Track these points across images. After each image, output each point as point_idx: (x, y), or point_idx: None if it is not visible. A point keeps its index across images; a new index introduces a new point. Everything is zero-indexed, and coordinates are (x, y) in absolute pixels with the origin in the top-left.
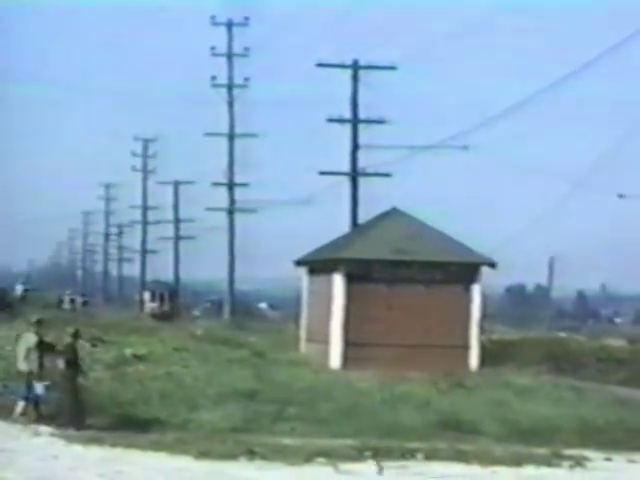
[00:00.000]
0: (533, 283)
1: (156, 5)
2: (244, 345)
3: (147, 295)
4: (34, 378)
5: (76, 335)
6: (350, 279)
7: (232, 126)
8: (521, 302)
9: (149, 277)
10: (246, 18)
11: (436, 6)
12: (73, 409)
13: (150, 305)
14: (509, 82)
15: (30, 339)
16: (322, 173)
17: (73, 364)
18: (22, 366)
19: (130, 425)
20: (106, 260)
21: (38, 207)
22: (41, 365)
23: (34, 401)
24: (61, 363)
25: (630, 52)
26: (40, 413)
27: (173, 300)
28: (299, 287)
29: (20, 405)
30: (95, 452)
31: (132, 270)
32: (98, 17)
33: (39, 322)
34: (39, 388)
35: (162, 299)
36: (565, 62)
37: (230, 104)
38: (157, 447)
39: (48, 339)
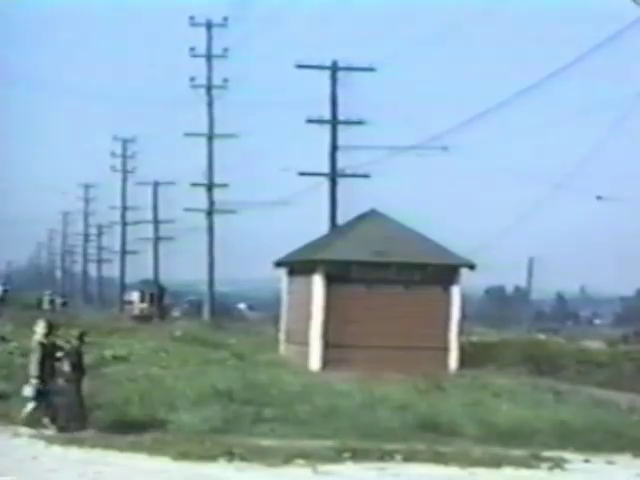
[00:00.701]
0: (512, 285)
1: (135, 5)
2: (223, 346)
3: (135, 295)
4: (31, 381)
5: (82, 337)
6: (329, 280)
7: (211, 127)
8: (500, 304)
9: (129, 278)
10: (225, 19)
11: (415, 8)
12: (78, 412)
13: (139, 306)
14: (489, 83)
15: (33, 341)
16: (301, 174)
17: (78, 367)
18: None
19: (109, 426)
20: (85, 261)
21: (17, 208)
22: (42, 368)
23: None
24: (66, 365)
25: (608, 54)
26: (27, 415)
27: (162, 301)
28: (278, 288)
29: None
30: (75, 453)
31: (112, 271)
32: (76, 16)
33: (49, 326)
34: (27, 390)
35: (152, 300)
36: (545, 64)
37: (209, 105)
38: (136, 448)
39: (59, 342)
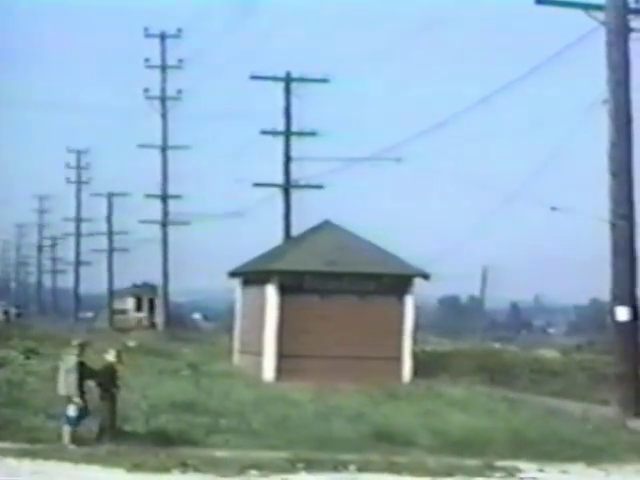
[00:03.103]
0: (466, 294)
1: (89, 16)
2: (177, 356)
3: (130, 303)
4: (74, 400)
5: (119, 356)
6: (283, 290)
7: (165, 138)
8: (454, 313)
9: (83, 289)
10: (179, 30)
11: (368, 19)
12: (110, 430)
13: (136, 316)
14: (443, 94)
15: (69, 362)
16: (255, 185)
17: (111, 387)
18: (62, 390)
19: (62, 437)
20: (40, 272)
21: None
22: (81, 389)
23: (69, 423)
24: (102, 384)
25: (563, 66)
26: (75, 435)
27: (167, 308)
28: (233, 298)
29: (66, 431)
30: (28, 465)
31: (66, 282)
32: (28, 24)
33: (81, 345)
34: (71, 410)
35: (151, 307)
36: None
37: (163, 116)
38: (90, 460)
39: (91, 364)
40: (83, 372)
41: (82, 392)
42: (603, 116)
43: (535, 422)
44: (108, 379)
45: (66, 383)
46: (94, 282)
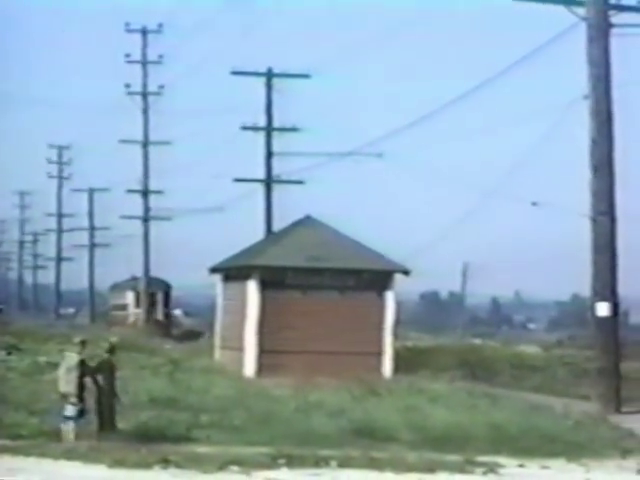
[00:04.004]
0: (447, 290)
1: (70, 11)
2: (159, 352)
3: (130, 297)
4: (70, 400)
5: (113, 350)
6: (264, 286)
7: (146, 134)
8: (435, 309)
9: (64, 284)
10: (160, 25)
11: (349, 14)
12: (107, 423)
13: (136, 312)
14: (424, 89)
15: (71, 360)
16: (236, 180)
17: (110, 381)
18: (63, 388)
19: (44, 434)
20: (21, 268)
21: None
22: (81, 387)
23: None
24: (100, 380)
25: (543, 61)
26: (75, 434)
27: (168, 304)
28: (214, 294)
29: (65, 429)
30: (8, 462)
31: (47, 278)
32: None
33: (82, 343)
34: (70, 410)
35: (154, 303)
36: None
37: (145, 111)
38: (71, 456)
39: (92, 362)
40: (84, 370)
41: (82, 390)
42: (584, 112)
43: (516, 417)
44: (107, 374)
45: (67, 381)
46: (75, 278)
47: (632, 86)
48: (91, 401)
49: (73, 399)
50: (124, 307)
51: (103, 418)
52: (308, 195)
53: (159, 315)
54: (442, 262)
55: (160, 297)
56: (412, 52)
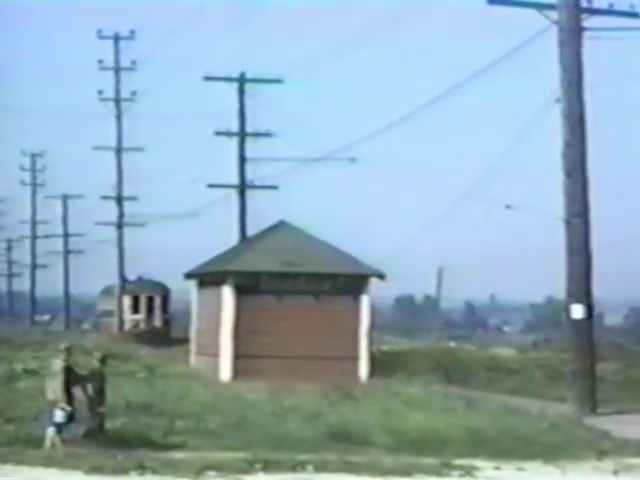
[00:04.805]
0: (422, 294)
1: (42, 18)
2: (134, 359)
3: (126, 302)
4: (57, 406)
5: (104, 360)
6: (239, 291)
7: (120, 140)
8: (410, 313)
9: (39, 291)
10: (132, 32)
11: (321, 19)
12: (97, 434)
13: (132, 318)
14: (396, 93)
15: (56, 366)
16: (210, 186)
17: (99, 390)
18: (50, 395)
19: (21, 441)
20: None
21: None
22: (68, 393)
23: (55, 428)
24: (89, 389)
25: (516, 64)
26: (62, 440)
27: (166, 309)
28: (189, 300)
29: (50, 435)
30: None
31: (22, 285)
32: None
33: (68, 350)
34: (59, 416)
35: (151, 308)
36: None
37: (118, 118)
38: (48, 463)
39: (79, 369)
40: (70, 376)
41: (69, 396)
42: (556, 115)
43: (492, 420)
44: (97, 383)
45: (52, 388)
46: (50, 285)
47: (604, 89)
48: (83, 410)
49: (62, 405)
50: (121, 313)
51: (93, 426)
52: (282, 200)
53: (157, 321)
54: (417, 266)
55: (158, 302)
56: (384, 57)
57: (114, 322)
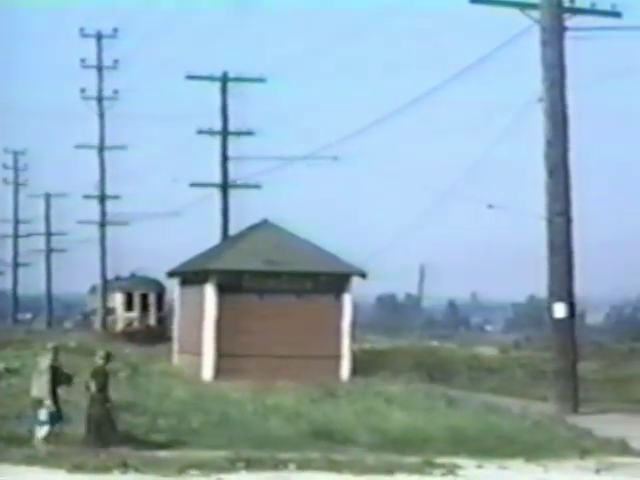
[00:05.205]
0: (404, 292)
1: (24, 17)
2: (117, 357)
3: (119, 299)
4: (42, 404)
5: (108, 358)
6: (221, 290)
7: (102, 138)
8: (392, 311)
9: (21, 291)
10: (115, 30)
11: (304, 18)
12: (101, 432)
13: (125, 316)
14: (380, 92)
15: (42, 364)
16: (192, 185)
17: (103, 388)
18: (35, 393)
19: (3, 440)
20: None
21: None
22: (53, 392)
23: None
24: (92, 387)
25: (499, 63)
26: (45, 438)
27: (161, 307)
28: (171, 298)
29: (37, 433)
30: None
31: (4, 283)
32: None
33: (55, 349)
34: (43, 414)
35: (145, 306)
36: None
37: (101, 116)
38: (30, 461)
39: (66, 370)
40: (56, 375)
41: (55, 395)
42: (539, 114)
43: (474, 419)
44: (102, 380)
45: (38, 386)
46: (32, 283)
47: (586, 88)
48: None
49: (47, 402)
50: (109, 311)
51: (93, 424)
52: (265, 199)
53: (151, 320)
54: (399, 264)
55: (153, 299)
56: (367, 56)
57: (111, 320)
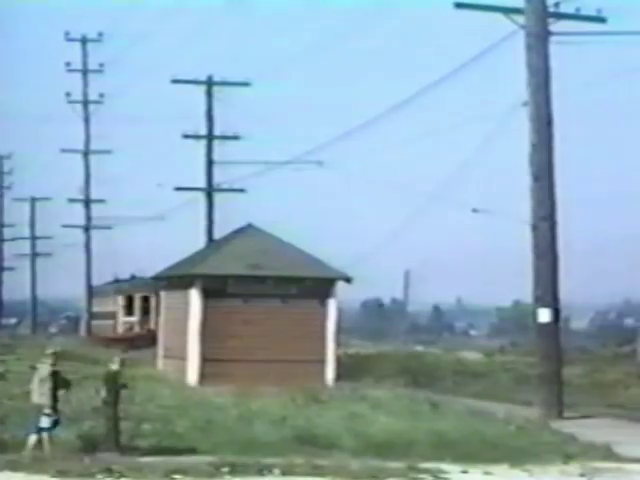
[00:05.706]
0: (389, 297)
1: (8, 21)
2: (101, 362)
3: (120, 301)
4: (45, 411)
5: (122, 364)
6: (206, 295)
7: (87, 142)
8: (377, 316)
9: (6, 296)
10: (100, 34)
11: (289, 22)
12: (114, 435)
13: (125, 320)
14: (365, 97)
15: (44, 370)
16: (177, 189)
17: (115, 392)
18: (36, 399)
19: None
20: None
21: None
22: (54, 398)
23: (39, 433)
24: (103, 391)
25: (483, 68)
26: (47, 446)
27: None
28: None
29: (32, 440)
30: None
31: None
32: None
33: (55, 354)
34: (45, 421)
35: (146, 309)
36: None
37: (86, 120)
38: (14, 467)
39: (66, 375)
40: (57, 381)
41: (55, 401)
42: (524, 118)
43: (458, 424)
44: (110, 387)
45: (40, 392)
46: (17, 288)
47: (571, 93)
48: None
49: (47, 410)
50: (109, 315)
51: (110, 424)
52: (249, 203)
53: (153, 324)
54: (383, 269)
55: (154, 302)
56: (353, 60)
57: (107, 325)
